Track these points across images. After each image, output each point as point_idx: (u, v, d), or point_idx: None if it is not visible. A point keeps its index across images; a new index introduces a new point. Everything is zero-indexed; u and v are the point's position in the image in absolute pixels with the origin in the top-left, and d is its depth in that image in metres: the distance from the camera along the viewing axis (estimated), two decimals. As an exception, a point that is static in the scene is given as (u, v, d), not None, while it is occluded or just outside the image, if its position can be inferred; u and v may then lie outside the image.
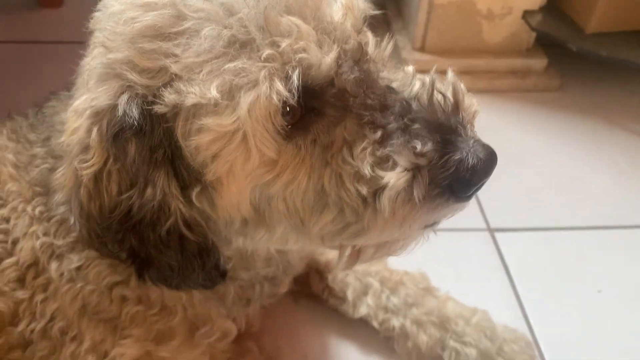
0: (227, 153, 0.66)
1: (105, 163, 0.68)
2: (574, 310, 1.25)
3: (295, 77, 0.63)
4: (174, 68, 0.64)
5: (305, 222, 0.73)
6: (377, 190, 0.67)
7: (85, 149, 0.69)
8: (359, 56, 0.70)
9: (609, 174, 1.59)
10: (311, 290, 1.21)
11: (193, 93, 0.63)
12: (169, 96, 0.64)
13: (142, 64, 0.65)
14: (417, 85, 0.71)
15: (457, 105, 0.71)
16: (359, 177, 0.68)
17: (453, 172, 0.66)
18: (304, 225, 0.73)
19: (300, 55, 0.64)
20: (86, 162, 0.68)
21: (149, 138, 0.66)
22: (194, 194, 0.70)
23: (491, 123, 1.71)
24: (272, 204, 0.72)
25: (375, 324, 1.15)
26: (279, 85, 0.63)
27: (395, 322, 1.13)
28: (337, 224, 0.72)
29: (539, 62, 1.88)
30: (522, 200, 1.50)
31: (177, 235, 0.71)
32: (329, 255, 1.19)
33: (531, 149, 1.67)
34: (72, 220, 0.75)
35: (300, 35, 0.64)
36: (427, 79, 0.72)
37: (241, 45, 0.63)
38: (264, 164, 0.68)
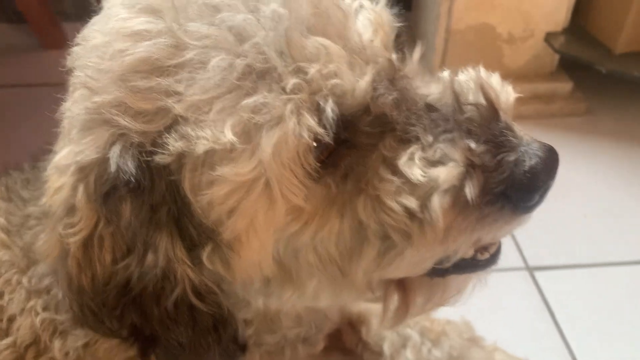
0: (247, 206, 0.55)
1: (95, 227, 0.57)
2: (627, 353, 1.15)
3: (329, 109, 0.53)
4: (177, 108, 0.53)
5: (345, 269, 0.62)
6: (426, 198, 0.57)
7: (71, 211, 0.58)
8: (393, 74, 0.60)
9: (650, 201, 1.50)
10: (344, 345, 1.11)
11: (204, 138, 0.52)
12: (174, 143, 0.53)
13: (136, 106, 0.54)
14: (452, 95, 0.61)
15: (493, 107, 0.60)
16: (404, 190, 0.58)
17: (508, 176, 0.56)
18: (344, 275, 0.63)
19: (332, 82, 0.54)
20: (72, 227, 0.57)
21: (149, 195, 0.55)
22: (204, 255, 0.59)
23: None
24: (299, 257, 0.61)
25: (386, 348, 1.05)
26: (310, 120, 0.53)
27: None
28: (381, 257, 0.61)
29: (564, 86, 1.80)
30: (561, 235, 1.41)
31: (186, 306, 0.60)
32: (362, 305, 1.10)
33: (563, 178, 1.57)
34: (59, 295, 0.67)
35: (329, 58, 0.54)
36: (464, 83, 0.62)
37: (259, 76, 0.53)
38: (289, 212, 0.57)
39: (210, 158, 0.53)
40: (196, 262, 0.59)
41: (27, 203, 0.80)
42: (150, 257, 0.57)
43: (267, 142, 0.52)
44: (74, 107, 0.58)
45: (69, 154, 0.58)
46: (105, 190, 0.55)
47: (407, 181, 0.57)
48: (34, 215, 0.78)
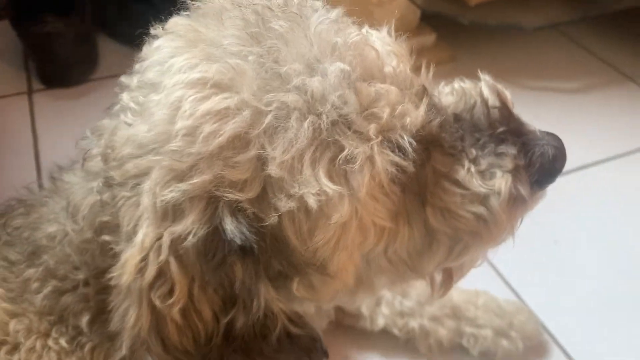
0: (348, 240, 0.62)
1: (192, 293, 0.60)
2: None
3: (406, 142, 0.62)
4: (272, 171, 0.57)
5: (415, 267, 0.73)
6: (490, 203, 0.69)
7: (161, 282, 0.59)
8: (426, 96, 0.69)
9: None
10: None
11: (309, 193, 0.57)
12: (280, 203, 0.58)
13: (235, 178, 0.57)
14: (471, 101, 0.73)
15: (507, 107, 0.73)
16: (471, 199, 0.69)
17: (539, 168, 0.70)
18: (413, 271, 0.73)
19: (403, 120, 0.63)
20: (167, 296, 0.59)
21: (260, 253, 0.60)
22: (294, 286, 0.65)
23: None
24: (372, 265, 0.70)
25: (395, 331, 1.19)
26: (394, 157, 0.61)
27: (414, 324, 1.17)
28: (450, 252, 0.73)
29: (429, 38, 1.99)
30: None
31: (285, 336, 0.65)
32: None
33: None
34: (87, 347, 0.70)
35: (391, 99, 0.62)
36: (477, 89, 0.74)
37: (334, 126, 0.59)
38: (375, 234, 0.66)
39: (311, 208, 0.58)
40: (284, 295, 0.65)
41: (17, 265, 0.78)
42: (255, 304, 0.61)
43: (360, 183, 0.59)
44: (157, 189, 0.58)
45: (155, 232, 0.59)
46: (218, 257, 0.59)
47: (470, 191, 0.69)
48: (35, 278, 0.76)
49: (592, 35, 2.13)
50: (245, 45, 0.61)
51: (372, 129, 0.60)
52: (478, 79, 0.75)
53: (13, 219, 0.84)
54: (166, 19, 0.69)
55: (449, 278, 0.80)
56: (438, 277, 0.80)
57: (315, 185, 0.57)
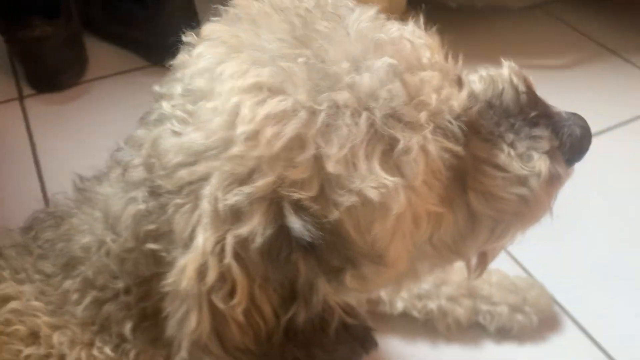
0: (404, 230, 0.65)
1: (253, 292, 0.61)
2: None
3: (456, 127, 0.65)
4: (329, 168, 0.59)
5: (458, 250, 0.76)
6: (531, 184, 0.72)
7: (222, 284, 0.60)
8: (465, 83, 0.72)
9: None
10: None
11: (369, 186, 0.59)
12: (341, 198, 0.59)
13: (297, 177, 0.59)
14: (500, 87, 0.75)
15: (533, 92, 0.76)
16: (513, 182, 0.72)
17: (570, 147, 0.74)
18: (455, 254, 0.76)
19: (449, 104, 0.65)
20: (229, 297, 0.60)
21: (324, 250, 0.62)
22: (347, 279, 0.66)
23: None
24: (418, 252, 0.72)
25: (415, 313, 1.22)
26: (446, 142, 0.64)
27: (432, 305, 1.21)
28: (492, 233, 0.75)
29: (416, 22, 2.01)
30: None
31: (342, 327, 0.67)
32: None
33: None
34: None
35: (436, 84, 0.64)
36: (505, 76, 0.76)
37: (386, 119, 0.61)
38: (428, 221, 0.68)
39: (370, 201, 0.60)
40: (336, 287, 0.66)
41: (53, 278, 0.79)
42: (314, 299, 0.63)
43: (416, 172, 0.61)
44: (219, 193, 0.59)
45: (216, 235, 0.59)
46: (283, 256, 0.60)
47: (512, 174, 0.72)
48: (74, 289, 0.77)
49: (576, 12, 2.18)
50: (292, 48, 0.62)
51: (422, 116, 0.62)
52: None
53: (43, 231, 0.84)
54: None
55: (484, 259, 0.83)
56: (474, 260, 0.83)
57: (373, 178, 0.59)
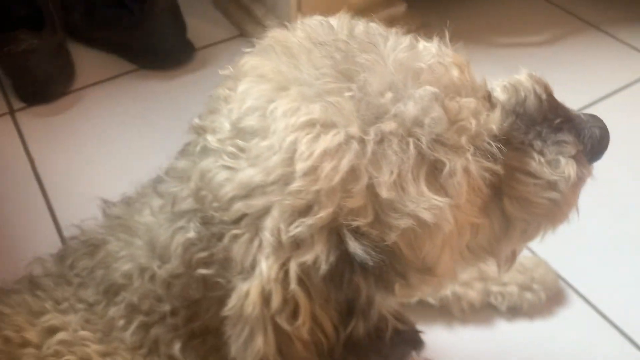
0: (452, 245, 0.69)
1: (314, 312, 0.64)
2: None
3: (494, 149, 0.68)
4: (383, 194, 0.62)
5: (492, 252, 0.79)
6: (561, 188, 0.76)
7: (285, 307, 0.63)
8: (497, 101, 0.76)
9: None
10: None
11: (421, 208, 0.62)
12: (397, 222, 0.63)
13: (354, 206, 0.62)
14: (522, 95, 0.78)
15: (553, 97, 0.80)
16: (544, 187, 0.76)
17: (591, 149, 0.78)
18: (491, 255, 0.80)
19: (488, 127, 0.69)
20: (292, 319, 0.63)
21: (381, 269, 0.65)
22: (397, 288, 0.69)
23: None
24: (459, 257, 0.76)
25: (431, 300, 1.28)
26: (485, 163, 0.67)
27: (446, 291, 1.26)
28: (524, 234, 0.80)
29: (399, 9, 2.03)
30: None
31: (395, 333, 0.71)
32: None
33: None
34: None
35: (474, 109, 0.68)
36: (527, 84, 0.79)
37: (431, 145, 0.64)
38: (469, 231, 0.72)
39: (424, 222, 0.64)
40: (385, 297, 0.69)
41: (96, 306, 0.81)
42: (372, 311, 0.67)
43: (460, 192, 0.65)
44: (281, 225, 0.62)
45: (279, 263, 0.62)
46: (346, 279, 0.64)
47: (543, 180, 0.76)
48: (119, 315, 0.79)
49: (554, -12, 2.22)
50: (337, 82, 0.65)
51: (463, 140, 0.65)
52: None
53: (79, 260, 0.86)
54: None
55: (513, 254, 0.88)
56: (503, 257, 0.87)
57: (424, 201, 0.63)
